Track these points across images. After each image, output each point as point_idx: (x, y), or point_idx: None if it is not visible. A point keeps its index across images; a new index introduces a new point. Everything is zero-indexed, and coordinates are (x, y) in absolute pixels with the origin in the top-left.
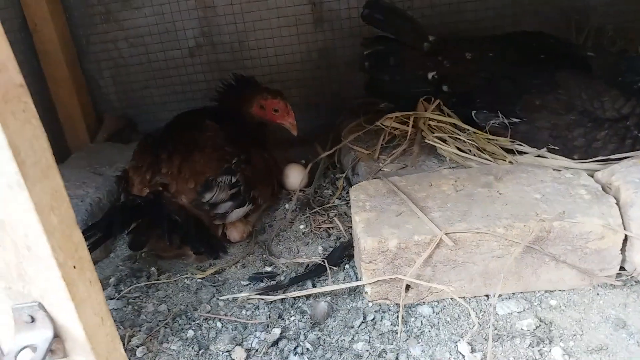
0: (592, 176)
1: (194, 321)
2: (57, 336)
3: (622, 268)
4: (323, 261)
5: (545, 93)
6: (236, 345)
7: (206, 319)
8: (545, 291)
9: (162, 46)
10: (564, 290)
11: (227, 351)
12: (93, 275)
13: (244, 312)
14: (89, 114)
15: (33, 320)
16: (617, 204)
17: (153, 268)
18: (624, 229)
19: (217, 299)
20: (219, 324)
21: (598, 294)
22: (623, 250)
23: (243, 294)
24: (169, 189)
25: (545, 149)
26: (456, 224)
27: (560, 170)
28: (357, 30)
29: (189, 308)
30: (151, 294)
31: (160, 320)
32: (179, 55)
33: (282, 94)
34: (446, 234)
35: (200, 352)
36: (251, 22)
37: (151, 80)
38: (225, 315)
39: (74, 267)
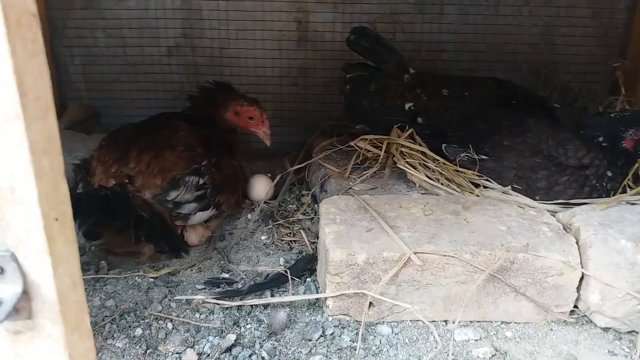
0: (553, 216)
1: (143, 320)
2: (25, 293)
3: (575, 306)
4: (285, 271)
5: (514, 135)
6: (187, 347)
7: (157, 318)
8: (502, 322)
9: (141, 41)
10: (519, 323)
11: (177, 353)
12: (72, 234)
13: (197, 315)
14: None
15: (2, 271)
16: (577, 243)
17: (103, 262)
18: (582, 267)
19: (170, 299)
20: (169, 325)
21: (552, 329)
22: (579, 288)
23: (198, 297)
24: (133, 182)
25: (510, 187)
26: (424, 245)
27: (524, 207)
28: (338, 53)
29: (139, 306)
30: (99, 288)
31: (106, 316)
32: (156, 52)
33: (258, 102)
34: (415, 253)
35: (148, 351)
36: (235, 31)
37: (124, 74)
38: (178, 316)
39: (56, 219)
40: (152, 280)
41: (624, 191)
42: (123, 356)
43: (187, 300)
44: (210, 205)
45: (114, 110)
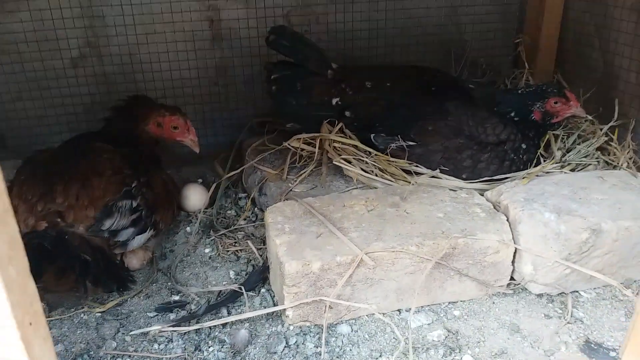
0: (482, 195)
1: None
2: None
3: (512, 278)
4: (240, 287)
5: (437, 119)
6: None
7: (113, 357)
8: (449, 302)
9: (40, 55)
10: (464, 301)
11: None
12: (46, 331)
13: (155, 346)
14: None
15: None
16: (507, 220)
17: (42, 304)
18: (514, 243)
19: (123, 334)
20: None
21: (494, 303)
22: (513, 262)
23: (154, 327)
24: (64, 218)
25: (438, 170)
26: (373, 244)
27: (455, 190)
28: (256, 49)
29: (91, 346)
30: None
31: None
32: (59, 65)
33: (180, 110)
34: (366, 253)
35: None
36: (144, 35)
37: (25, 91)
38: (136, 351)
39: (30, 323)
40: (100, 314)
41: (538, 161)
42: None
43: (142, 332)
44: (148, 226)
45: (21, 131)
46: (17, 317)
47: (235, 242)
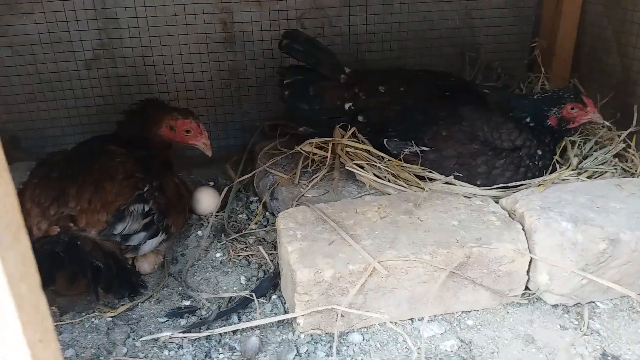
0: (497, 202)
1: None
2: None
3: (526, 288)
4: (251, 294)
5: (451, 124)
6: None
7: None
8: (463, 312)
9: (54, 57)
10: (478, 310)
11: None
12: (56, 347)
13: (166, 352)
14: None
15: None
16: (523, 229)
17: (54, 307)
18: (530, 252)
19: (134, 339)
20: None
21: (508, 312)
22: (528, 271)
23: (164, 334)
24: (77, 222)
25: (452, 176)
26: (386, 252)
27: (470, 198)
28: (268, 52)
29: (102, 351)
30: None
31: None
32: (73, 67)
33: (193, 113)
34: (379, 262)
35: None
36: (157, 37)
37: (39, 92)
38: (146, 357)
39: (40, 341)
40: (111, 319)
41: (554, 167)
42: None
43: (152, 338)
44: (159, 230)
45: (35, 133)
46: (27, 335)
47: (247, 247)
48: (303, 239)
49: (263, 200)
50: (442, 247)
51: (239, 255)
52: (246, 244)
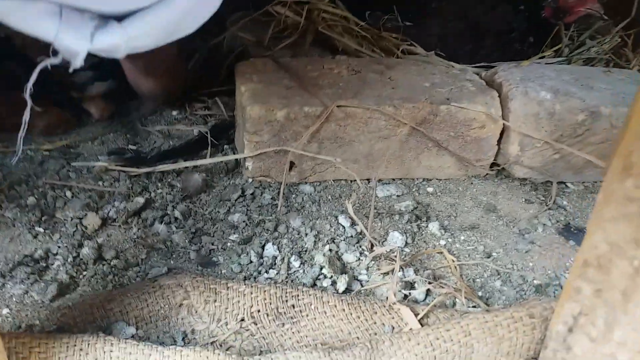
0: (477, 75)
1: (36, 189)
2: None
3: (494, 162)
4: (206, 132)
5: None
6: (89, 211)
7: (53, 187)
8: (424, 179)
9: None
10: (440, 179)
11: (78, 218)
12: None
13: (100, 183)
14: None
15: None
16: (499, 96)
17: None
18: (503, 120)
19: (68, 170)
20: (68, 193)
21: (472, 183)
22: (499, 141)
23: (100, 163)
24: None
25: (433, 52)
26: (348, 100)
27: (448, 67)
28: None
29: (31, 178)
30: None
31: None
32: None
33: None
34: (338, 106)
35: (43, 219)
36: None
37: None
38: (78, 184)
39: None
40: (47, 152)
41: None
42: (14, 225)
43: (87, 169)
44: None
45: None
46: None
47: (205, 107)
48: (259, 82)
49: (227, 63)
50: (408, 101)
51: (196, 114)
52: (206, 103)
